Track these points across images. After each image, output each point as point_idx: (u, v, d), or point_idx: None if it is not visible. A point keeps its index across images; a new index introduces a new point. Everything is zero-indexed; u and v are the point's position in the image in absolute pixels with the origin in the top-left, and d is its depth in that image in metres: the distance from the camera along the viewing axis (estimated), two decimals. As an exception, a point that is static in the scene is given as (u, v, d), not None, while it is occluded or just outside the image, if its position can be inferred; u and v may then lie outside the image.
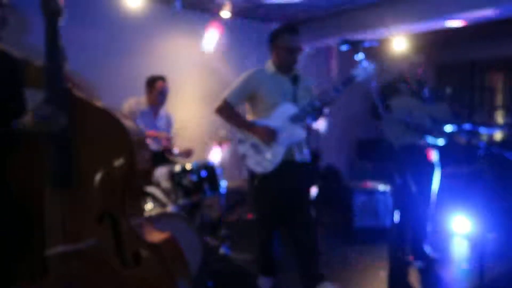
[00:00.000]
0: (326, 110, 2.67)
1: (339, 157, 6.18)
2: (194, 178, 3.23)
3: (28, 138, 1.60)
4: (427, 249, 3.15)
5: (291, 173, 2.67)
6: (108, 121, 1.63)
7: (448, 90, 7.22)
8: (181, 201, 3.17)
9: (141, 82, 3.92)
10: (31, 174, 1.60)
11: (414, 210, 3.05)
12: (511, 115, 6.52)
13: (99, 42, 4.21)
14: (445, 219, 4.26)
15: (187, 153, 3.80)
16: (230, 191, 4.92)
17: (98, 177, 1.60)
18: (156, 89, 3.74)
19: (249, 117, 2.81)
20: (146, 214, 2.69)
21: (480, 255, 2.88)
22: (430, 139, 3.07)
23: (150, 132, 3.67)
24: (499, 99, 6.78)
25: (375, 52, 4.67)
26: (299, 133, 2.65)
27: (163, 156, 3.89)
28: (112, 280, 1.58)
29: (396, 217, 2.98)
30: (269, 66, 2.76)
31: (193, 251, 2.81)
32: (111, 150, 1.62)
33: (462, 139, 3.23)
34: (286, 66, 2.69)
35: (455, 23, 4.38)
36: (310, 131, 2.81)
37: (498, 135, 5.78)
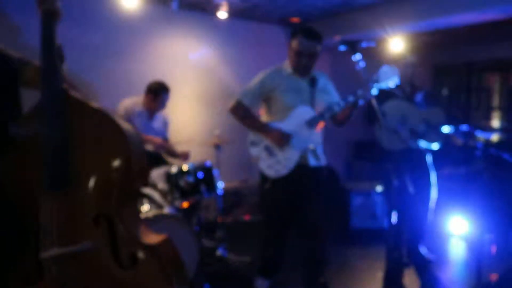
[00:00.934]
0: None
1: (336, 158, 6.18)
2: (190, 179, 3.22)
3: (22, 140, 1.57)
4: (424, 250, 3.15)
5: (304, 179, 2.61)
6: (105, 122, 1.61)
7: (445, 91, 7.24)
8: (178, 203, 3.16)
9: (138, 83, 3.91)
10: (25, 176, 1.58)
11: (411, 211, 3.05)
12: (508, 116, 6.54)
13: (96, 43, 4.19)
14: (442, 220, 4.26)
15: (184, 156, 3.79)
16: (227, 192, 4.91)
17: (94, 178, 1.59)
18: (159, 99, 3.71)
19: (265, 117, 2.74)
20: (143, 215, 2.67)
21: (477, 256, 2.88)
22: (424, 144, 3.06)
23: (145, 136, 3.64)
24: (495, 100, 6.80)
25: (372, 52, 4.68)
26: (315, 138, 2.59)
27: (160, 158, 3.88)
28: (108, 282, 1.57)
29: (393, 218, 2.98)
30: (287, 66, 2.67)
31: (190, 253, 2.80)
32: (107, 151, 1.60)
33: (459, 141, 3.22)
34: (297, 69, 2.60)
35: (453, 24, 4.39)
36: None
37: (495, 136, 5.80)
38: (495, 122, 6.67)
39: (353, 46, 2.39)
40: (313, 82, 2.59)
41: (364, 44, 2.42)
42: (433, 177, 3.14)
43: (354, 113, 2.59)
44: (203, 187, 3.29)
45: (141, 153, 1.71)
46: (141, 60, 4.58)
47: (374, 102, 2.45)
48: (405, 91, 3.13)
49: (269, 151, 2.64)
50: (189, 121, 4.93)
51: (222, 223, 3.87)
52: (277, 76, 2.64)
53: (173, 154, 3.88)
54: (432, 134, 3.04)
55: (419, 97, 3.17)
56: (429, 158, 3.15)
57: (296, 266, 2.91)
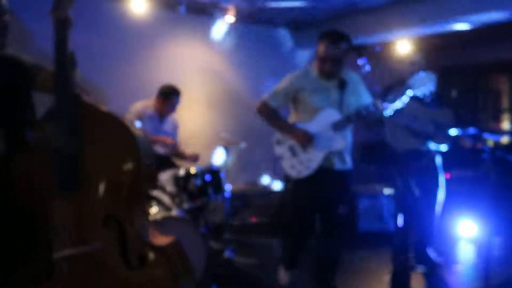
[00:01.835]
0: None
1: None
2: (198, 182, 3.24)
3: (36, 144, 1.61)
4: (431, 253, 3.13)
5: (326, 182, 2.58)
6: (115, 126, 1.65)
7: (453, 93, 7.19)
8: (186, 205, 3.18)
9: (147, 86, 3.95)
10: (37, 178, 1.62)
11: (417, 214, 3.04)
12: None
13: (105, 48, 4.25)
14: (450, 223, 4.24)
15: (194, 158, 3.81)
16: (235, 195, 4.93)
17: (104, 181, 1.62)
18: (170, 102, 3.76)
19: (292, 118, 2.74)
20: (152, 218, 2.70)
21: (486, 259, 2.86)
22: (433, 145, 3.05)
23: (156, 137, 3.68)
24: (504, 101, 6.74)
25: (378, 56, 4.68)
26: (340, 141, 2.55)
27: (168, 160, 3.92)
28: (117, 283, 1.60)
29: (400, 221, 2.97)
30: (314, 68, 2.64)
31: (198, 255, 2.82)
32: (117, 154, 1.64)
33: (467, 143, 3.21)
34: (323, 73, 2.58)
35: (460, 26, 4.38)
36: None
37: (504, 138, 5.74)
38: (505, 124, 6.61)
39: (358, 50, 2.40)
40: (342, 85, 2.53)
41: (369, 48, 2.43)
42: (442, 179, 3.13)
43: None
44: (210, 190, 3.31)
45: (150, 156, 1.75)
46: (150, 64, 4.63)
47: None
48: None
49: (292, 151, 2.63)
50: (197, 124, 4.96)
51: (229, 225, 3.88)
52: (304, 78, 2.64)
53: (183, 156, 3.91)
54: (440, 135, 3.03)
55: (428, 97, 3.16)
56: (438, 160, 3.14)
57: (306, 266, 2.91)
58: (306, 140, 2.53)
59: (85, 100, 1.67)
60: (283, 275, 2.91)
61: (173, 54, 4.82)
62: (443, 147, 3.07)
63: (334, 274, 2.75)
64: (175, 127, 4.01)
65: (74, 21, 1.68)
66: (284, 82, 2.69)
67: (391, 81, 3.30)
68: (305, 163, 2.57)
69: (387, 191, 4.27)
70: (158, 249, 1.64)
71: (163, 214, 2.85)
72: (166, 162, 3.78)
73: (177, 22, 4.73)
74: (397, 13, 4.51)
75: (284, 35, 5.72)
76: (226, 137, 3.87)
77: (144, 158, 1.66)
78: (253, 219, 4.99)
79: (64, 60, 1.62)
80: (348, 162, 2.68)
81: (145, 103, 3.81)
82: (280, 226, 4.19)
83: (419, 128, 2.99)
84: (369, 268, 3.52)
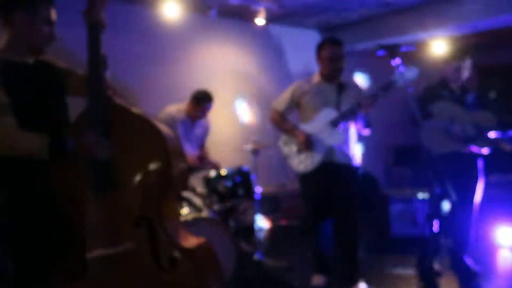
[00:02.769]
0: (366, 118, 2.82)
1: (375, 164, 6.04)
2: (228, 183, 3.27)
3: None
4: (469, 260, 3.01)
5: (330, 174, 2.84)
6: (146, 127, 1.68)
7: (493, 95, 6.91)
8: (216, 206, 3.21)
9: (178, 89, 4.01)
10: (72, 180, 1.67)
11: (454, 220, 2.94)
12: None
13: (137, 51, 4.35)
14: (489, 231, 4.06)
15: (215, 167, 3.80)
16: (265, 197, 4.93)
17: (135, 182, 1.65)
18: (201, 107, 3.78)
19: (300, 121, 3.03)
20: (182, 218, 2.74)
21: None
22: (473, 148, 2.93)
23: None
24: (548, 103, 6.42)
25: (412, 56, 4.56)
26: (337, 137, 2.80)
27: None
28: (148, 284, 1.62)
29: (435, 226, 2.88)
30: (315, 76, 2.98)
31: (227, 257, 2.83)
32: (148, 155, 1.67)
33: (508, 146, 3.06)
34: (330, 75, 2.89)
35: (498, 25, 4.21)
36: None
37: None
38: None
39: (392, 51, 2.36)
40: (340, 88, 2.88)
41: (403, 48, 2.38)
42: (481, 183, 3.00)
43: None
44: (240, 192, 3.32)
45: (181, 157, 1.77)
46: (181, 67, 4.71)
47: (414, 104, 2.40)
48: (455, 92, 3.04)
49: (298, 149, 2.92)
50: (227, 126, 4.99)
51: (259, 228, 3.88)
52: (305, 85, 2.97)
53: (204, 164, 3.86)
54: (480, 138, 2.92)
55: (470, 98, 3.05)
56: (479, 163, 3.02)
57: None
58: (305, 144, 2.83)
59: (117, 102, 1.71)
60: (316, 279, 3.02)
61: (204, 57, 4.88)
62: (484, 150, 2.94)
63: (355, 265, 2.87)
64: (206, 130, 4.03)
65: (109, 25, 1.73)
66: (289, 89, 3.04)
67: (430, 82, 3.20)
68: (310, 159, 2.86)
69: (421, 195, 4.15)
70: (188, 250, 1.65)
71: (193, 215, 2.88)
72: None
73: (208, 26, 4.79)
74: (432, 12, 4.40)
75: (315, 37, 5.69)
76: (257, 139, 3.86)
77: (174, 158, 1.68)
78: (283, 222, 4.97)
79: (97, 63, 1.67)
80: (350, 157, 2.91)
81: (178, 107, 3.85)
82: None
83: (457, 131, 2.89)
84: (402, 273, 3.43)
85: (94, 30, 1.67)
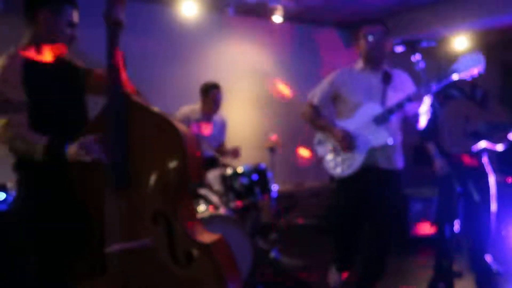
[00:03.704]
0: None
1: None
2: (245, 181, 3.27)
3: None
4: (489, 261, 2.94)
5: (371, 180, 2.49)
6: (163, 125, 1.70)
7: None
8: (233, 204, 3.22)
9: (196, 89, 4.03)
10: (92, 176, 1.71)
11: (476, 219, 2.87)
12: None
13: (156, 50, 4.40)
14: (509, 231, 3.95)
15: (235, 153, 3.80)
16: (282, 195, 4.91)
17: (152, 178, 1.67)
18: (210, 98, 3.78)
19: (335, 117, 2.70)
20: (199, 215, 2.75)
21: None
22: (488, 145, 2.86)
23: None
24: None
25: (433, 52, 4.47)
26: (382, 136, 2.42)
27: (216, 160, 3.96)
28: (165, 279, 1.64)
29: (456, 227, 2.82)
30: (358, 63, 2.62)
31: (244, 254, 2.84)
32: (165, 152, 1.69)
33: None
34: (371, 58, 2.51)
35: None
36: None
37: None
38: None
39: (412, 46, 2.30)
40: (386, 78, 2.49)
41: (424, 44, 2.32)
42: (492, 180, 2.93)
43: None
44: (257, 189, 3.32)
45: (197, 154, 1.78)
46: (199, 66, 4.73)
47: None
48: (465, 91, 2.97)
49: (335, 150, 2.58)
50: (245, 124, 5.00)
51: (276, 226, 3.87)
52: (346, 74, 2.60)
53: (224, 152, 3.89)
54: (495, 135, 2.85)
55: (479, 94, 2.99)
56: (485, 159, 2.95)
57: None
58: (347, 141, 2.46)
59: (135, 100, 1.73)
60: (333, 276, 2.84)
61: (222, 55, 4.89)
62: (499, 147, 2.87)
63: (381, 277, 2.66)
64: (223, 126, 4.02)
65: (126, 25, 1.75)
66: (327, 79, 2.65)
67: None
68: (348, 162, 2.50)
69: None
70: (204, 247, 1.66)
71: (210, 212, 2.90)
72: (212, 161, 3.83)
73: (225, 24, 4.80)
74: (453, 7, 4.30)
75: (334, 35, 5.63)
76: (274, 137, 3.85)
77: (191, 156, 1.69)
78: (300, 221, 4.96)
79: (116, 61, 1.69)
80: (396, 161, 2.56)
81: (192, 107, 3.87)
82: (328, 227, 4.13)
83: (471, 129, 2.82)
84: (422, 274, 3.37)
85: (114, 29, 1.70)
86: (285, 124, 5.02)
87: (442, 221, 2.93)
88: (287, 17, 4.85)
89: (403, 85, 2.55)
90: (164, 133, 1.69)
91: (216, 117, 3.96)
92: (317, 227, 4.74)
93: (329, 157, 2.61)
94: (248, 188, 3.28)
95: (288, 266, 3.55)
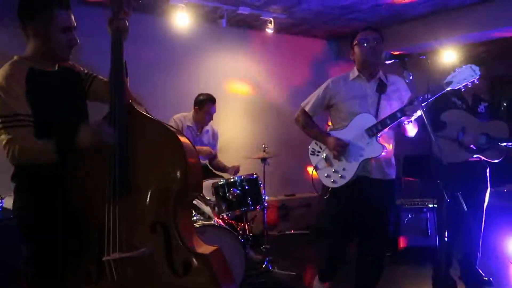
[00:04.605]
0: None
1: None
2: (237, 191, 3.26)
3: (88, 148, 1.68)
4: (479, 270, 2.97)
5: (364, 191, 2.48)
6: (165, 135, 1.71)
7: (503, 104, 6.84)
8: (225, 214, 3.21)
9: (188, 97, 4.04)
10: (91, 183, 1.70)
11: (465, 229, 2.90)
12: None
13: (149, 60, 4.41)
14: (500, 242, 4.00)
15: (235, 170, 3.85)
16: (273, 205, 4.92)
17: (152, 187, 1.67)
18: (205, 110, 3.83)
19: (330, 126, 2.72)
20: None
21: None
22: (484, 157, 2.91)
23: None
24: (560, 113, 6.33)
25: (423, 65, 4.54)
26: (375, 148, 2.41)
27: (209, 170, 3.97)
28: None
29: (445, 236, 2.84)
30: (353, 71, 2.61)
31: (236, 265, 2.82)
32: (166, 162, 1.69)
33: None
34: (365, 63, 2.50)
35: (509, 34, 4.19)
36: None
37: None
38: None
39: (401, 60, 2.33)
40: (381, 87, 2.48)
41: (413, 57, 2.36)
42: (487, 192, 2.98)
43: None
44: (249, 200, 3.32)
45: (197, 165, 1.79)
46: (192, 76, 4.75)
47: (423, 113, 2.34)
48: (467, 102, 3.02)
49: (328, 160, 2.57)
50: (236, 134, 5.01)
51: (268, 236, 3.87)
52: (341, 83, 2.59)
53: (223, 169, 3.96)
54: (492, 147, 2.89)
55: (481, 108, 3.04)
56: (487, 173, 2.99)
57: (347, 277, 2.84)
58: (339, 147, 2.45)
59: (137, 109, 1.74)
60: (317, 286, 2.84)
61: (215, 65, 4.92)
62: (495, 160, 2.92)
63: (375, 285, 2.66)
64: (214, 138, 4.06)
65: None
66: (321, 87, 2.65)
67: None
68: (341, 172, 2.49)
69: (431, 205, 4.10)
70: (202, 256, 1.65)
71: (202, 222, 2.89)
72: (205, 171, 3.84)
73: (218, 35, 4.84)
74: (442, 21, 4.39)
75: (325, 46, 5.71)
76: (266, 148, 3.88)
77: (192, 166, 1.69)
78: (292, 231, 4.95)
79: (121, 69, 1.70)
80: (388, 172, 2.55)
81: (185, 115, 3.90)
82: (318, 237, 4.13)
83: (468, 140, 2.86)
84: (411, 284, 3.39)
85: (119, 36, 1.71)
86: (277, 134, 5.04)
87: (438, 230, 2.95)
88: (279, 28, 4.91)
89: (398, 92, 2.53)
90: (166, 142, 1.70)
91: (208, 128, 3.98)
92: (308, 237, 4.74)
93: (323, 167, 2.60)
94: (241, 199, 3.28)
95: (280, 275, 3.54)
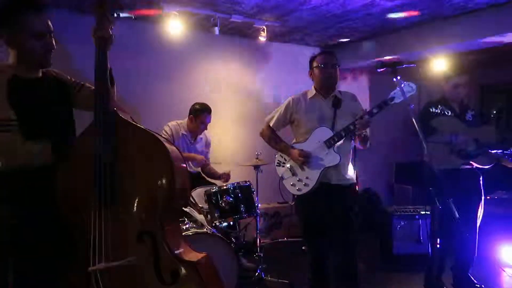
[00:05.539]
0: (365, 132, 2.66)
1: (378, 181, 6.03)
2: (230, 199, 3.26)
3: (75, 156, 1.67)
4: (471, 278, 2.98)
5: (328, 196, 2.68)
6: (151, 142, 1.70)
7: (493, 112, 6.92)
8: (218, 222, 3.20)
9: (181, 105, 4.04)
10: (77, 193, 1.68)
11: (457, 237, 2.91)
12: None
13: (141, 67, 4.41)
14: (492, 249, 4.02)
15: (226, 177, 3.85)
16: (266, 213, 4.91)
17: (139, 196, 1.66)
18: (200, 120, 3.84)
19: (293, 140, 2.88)
20: (184, 234, 2.72)
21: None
22: (475, 164, 2.93)
23: (186, 154, 3.75)
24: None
25: (414, 73, 4.59)
26: (333, 158, 2.65)
27: (201, 178, 3.97)
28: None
29: (438, 244, 2.86)
30: (311, 90, 2.85)
31: (228, 273, 2.81)
32: (152, 170, 1.68)
33: (510, 163, 3.06)
34: (324, 85, 2.76)
35: (498, 42, 4.26)
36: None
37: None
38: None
39: (392, 68, 2.38)
40: (336, 103, 2.72)
41: (404, 66, 2.40)
42: (481, 199, 2.99)
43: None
44: (242, 207, 3.31)
45: (184, 173, 1.78)
46: (185, 83, 4.76)
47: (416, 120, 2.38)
48: (455, 110, 3.06)
49: (292, 171, 2.78)
50: (229, 142, 5.01)
51: (261, 244, 3.85)
52: (300, 100, 2.83)
53: (215, 176, 3.96)
54: (481, 154, 2.92)
55: (469, 116, 3.08)
56: (480, 180, 3.01)
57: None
58: (302, 157, 2.68)
59: (122, 117, 1.73)
60: None
61: (208, 73, 4.93)
62: (486, 166, 2.94)
63: (357, 281, 2.70)
64: (207, 145, 4.07)
65: (114, 41, 1.76)
66: (283, 104, 2.87)
67: (431, 99, 3.23)
68: (304, 181, 2.71)
69: (424, 212, 4.13)
70: (190, 265, 1.64)
71: (195, 230, 2.87)
72: (197, 179, 3.83)
73: (211, 43, 4.86)
74: (433, 30, 4.45)
75: (317, 54, 5.74)
76: (259, 155, 3.88)
77: (178, 174, 1.68)
78: (285, 238, 4.94)
79: (105, 78, 1.70)
80: (347, 178, 2.73)
81: (179, 123, 3.91)
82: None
83: (459, 145, 2.89)
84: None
85: (103, 45, 1.70)
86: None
87: (430, 237, 2.97)
88: (272, 37, 4.94)
89: (351, 107, 2.76)
90: (152, 151, 1.69)
91: (201, 136, 3.99)
92: (301, 245, 4.73)
93: (288, 176, 2.81)
94: (233, 206, 3.27)
95: (273, 283, 3.52)
